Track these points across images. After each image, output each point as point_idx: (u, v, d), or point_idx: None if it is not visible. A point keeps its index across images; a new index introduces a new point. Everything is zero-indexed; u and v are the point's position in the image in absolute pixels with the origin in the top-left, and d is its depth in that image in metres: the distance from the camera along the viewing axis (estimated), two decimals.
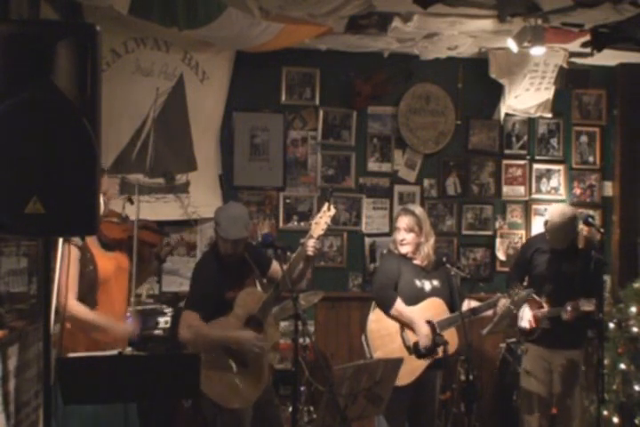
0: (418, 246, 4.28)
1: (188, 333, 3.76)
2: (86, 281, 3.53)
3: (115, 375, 2.74)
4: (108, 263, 3.64)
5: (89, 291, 3.54)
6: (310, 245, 3.72)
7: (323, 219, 3.73)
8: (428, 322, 4.20)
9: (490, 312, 4.30)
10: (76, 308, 3.46)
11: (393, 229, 4.37)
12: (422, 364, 4.18)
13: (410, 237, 4.26)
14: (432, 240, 4.33)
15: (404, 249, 4.28)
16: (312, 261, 3.98)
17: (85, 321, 3.49)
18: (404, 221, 4.28)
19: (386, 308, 4.22)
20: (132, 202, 4.03)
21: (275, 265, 4.04)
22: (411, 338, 4.20)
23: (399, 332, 4.22)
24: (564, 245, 4.50)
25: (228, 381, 3.75)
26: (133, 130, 5.06)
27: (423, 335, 4.15)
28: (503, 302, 4.26)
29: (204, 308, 3.76)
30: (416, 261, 4.32)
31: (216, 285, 3.82)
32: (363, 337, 4.30)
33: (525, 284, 4.54)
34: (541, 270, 4.57)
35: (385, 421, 4.20)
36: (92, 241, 3.59)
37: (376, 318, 4.27)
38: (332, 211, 3.75)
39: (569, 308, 4.36)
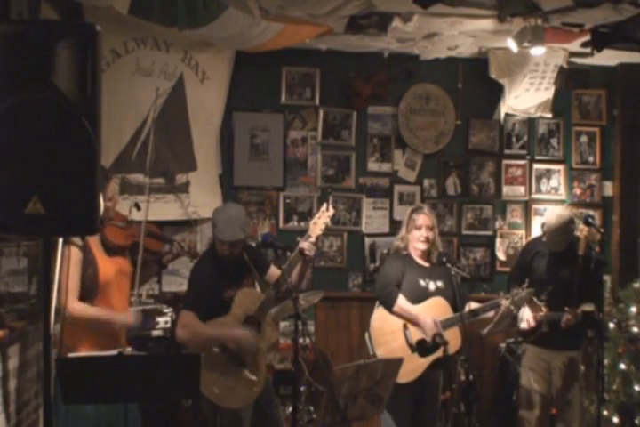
0: (434, 244, 4.32)
1: (183, 332, 3.77)
2: (86, 283, 3.53)
3: (115, 375, 2.74)
4: (110, 267, 3.64)
5: (88, 293, 3.54)
6: (308, 245, 3.72)
7: (321, 219, 3.74)
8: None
9: (491, 314, 4.31)
10: (78, 308, 3.46)
11: (408, 228, 4.35)
12: (425, 362, 4.19)
13: (432, 234, 4.29)
14: (439, 239, 4.39)
15: (425, 246, 4.28)
16: (311, 262, 3.97)
17: (88, 319, 3.49)
18: (425, 219, 4.29)
19: (388, 305, 4.23)
20: (138, 208, 4.02)
21: (273, 268, 4.04)
22: (413, 336, 4.21)
23: (402, 330, 4.22)
24: (561, 247, 4.51)
25: (225, 381, 3.75)
26: (133, 130, 5.06)
27: (429, 327, 4.16)
28: (505, 303, 4.27)
29: (201, 308, 3.76)
30: (420, 261, 4.34)
31: (214, 285, 3.82)
32: (366, 334, 4.31)
33: (525, 285, 4.54)
34: (540, 274, 4.57)
35: (390, 418, 4.21)
36: (95, 245, 3.60)
37: (379, 315, 4.29)
38: (331, 211, 3.75)
39: (567, 315, 4.36)
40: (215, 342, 3.76)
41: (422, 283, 4.28)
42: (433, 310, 4.24)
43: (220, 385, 3.74)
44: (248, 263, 3.90)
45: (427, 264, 4.34)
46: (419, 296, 4.24)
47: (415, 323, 4.21)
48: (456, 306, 4.26)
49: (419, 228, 4.29)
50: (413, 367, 4.13)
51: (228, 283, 3.86)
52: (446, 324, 4.19)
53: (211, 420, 3.85)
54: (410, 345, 4.20)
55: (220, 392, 3.73)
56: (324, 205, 3.76)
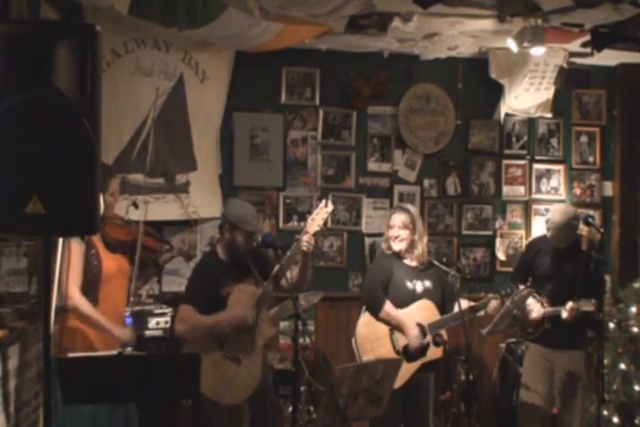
0: (412, 244, 4.26)
1: (182, 326, 3.78)
2: (89, 277, 3.55)
3: (115, 375, 2.74)
4: (112, 263, 3.66)
5: (91, 287, 3.55)
6: (304, 240, 3.71)
7: (319, 215, 3.71)
8: (418, 325, 4.17)
9: (482, 313, 4.29)
10: (79, 300, 3.48)
11: (386, 227, 4.35)
12: (412, 367, 4.15)
13: (404, 233, 4.23)
14: (425, 239, 4.32)
15: (398, 246, 4.25)
16: (310, 259, 3.95)
17: (86, 315, 3.50)
18: (398, 218, 4.26)
19: (375, 311, 4.20)
20: (136, 206, 4.03)
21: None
22: (400, 342, 4.19)
23: (388, 336, 4.19)
24: (564, 244, 4.51)
25: (221, 377, 3.74)
26: (133, 130, 5.06)
27: (413, 337, 4.13)
28: (493, 304, 4.24)
29: (200, 302, 3.76)
30: (408, 262, 4.30)
31: (215, 283, 3.82)
32: (352, 341, 4.29)
33: (529, 284, 4.54)
34: (544, 271, 4.57)
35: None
36: (97, 240, 3.62)
37: (365, 321, 4.26)
38: (330, 207, 3.72)
39: (568, 307, 4.36)
40: (212, 329, 3.74)
41: (409, 285, 4.23)
42: (420, 314, 4.19)
43: (216, 381, 3.72)
44: (249, 264, 3.91)
45: (413, 264, 4.30)
46: (405, 299, 4.20)
47: (401, 330, 4.18)
48: (444, 307, 4.24)
49: (391, 227, 4.28)
50: (402, 372, 4.06)
51: (229, 282, 3.86)
52: (436, 326, 4.16)
53: (208, 416, 3.85)
54: (397, 351, 4.17)
55: (215, 388, 3.72)
56: (323, 202, 3.74)
